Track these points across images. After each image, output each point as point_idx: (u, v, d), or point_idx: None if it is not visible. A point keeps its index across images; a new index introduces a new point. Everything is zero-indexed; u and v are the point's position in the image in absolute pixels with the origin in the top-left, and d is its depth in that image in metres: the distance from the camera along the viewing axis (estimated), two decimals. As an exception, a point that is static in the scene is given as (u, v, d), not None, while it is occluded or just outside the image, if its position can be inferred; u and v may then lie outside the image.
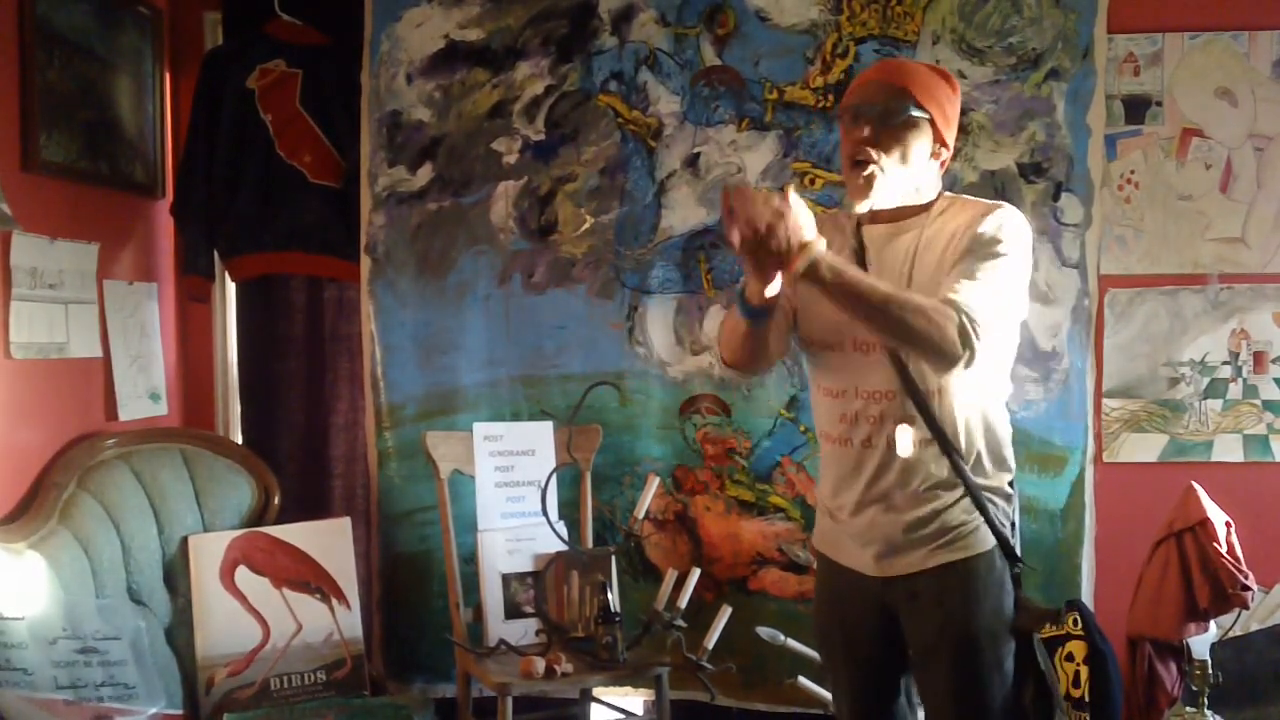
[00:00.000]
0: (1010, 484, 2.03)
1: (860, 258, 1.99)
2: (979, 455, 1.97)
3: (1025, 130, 3.04)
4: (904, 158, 1.94)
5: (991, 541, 1.96)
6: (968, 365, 1.81)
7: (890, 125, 1.93)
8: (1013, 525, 2.01)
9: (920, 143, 1.95)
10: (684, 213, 3.13)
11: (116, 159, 3.08)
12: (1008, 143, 3.05)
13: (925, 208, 2.00)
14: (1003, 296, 1.87)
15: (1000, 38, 3.05)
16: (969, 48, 3.05)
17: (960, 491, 1.95)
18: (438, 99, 3.18)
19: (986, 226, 1.90)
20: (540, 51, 3.15)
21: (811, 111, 3.09)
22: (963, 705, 1.95)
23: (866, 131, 1.93)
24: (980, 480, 1.96)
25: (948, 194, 2.03)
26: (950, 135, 2.00)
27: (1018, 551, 2.00)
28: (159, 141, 3.28)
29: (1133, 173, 3.11)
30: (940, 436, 1.93)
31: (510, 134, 3.17)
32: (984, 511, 1.95)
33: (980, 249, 1.88)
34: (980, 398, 1.97)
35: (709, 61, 3.12)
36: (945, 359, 1.81)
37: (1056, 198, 3.04)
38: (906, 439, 1.94)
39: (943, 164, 2.02)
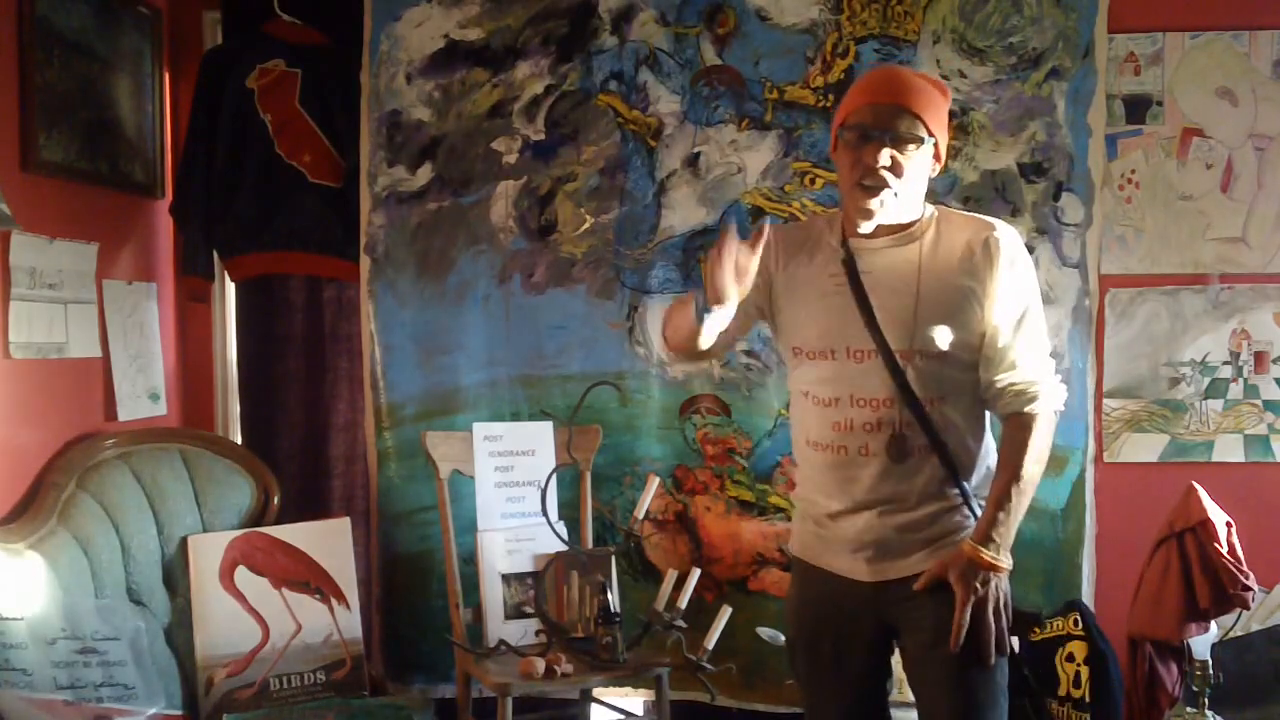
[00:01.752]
0: None
1: (851, 268, 2.00)
2: (973, 459, 2.00)
3: (1026, 130, 3.04)
4: (912, 180, 1.96)
5: None
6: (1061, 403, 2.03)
7: (904, 152, 1.94)
8: None
9: (925, 164, 1.98)
10: (684, 212, 3.13)
11: (116, 159, 3.08)
12: (1008, 142, 3.05)
13: (915, 219, 2.02)
14: (1043, 331, 2.02)
15: (1001, 37, 3.04)
16: (969, 47, 3.04)
17: (956, 495, 1.98)
18: (437, 99, 3.17)
19: (1006, 273, 1.95)
20: (540, 51, 3.15)
21: (812, 111, 3.09)
22: (964, 695, 1.94)
23: (884, 158, 1.92)
24: (973, 483, 2.00)
25: (929, 205, 2.06)
26: (943, 152, 2.02)
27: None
28: (158, 141, 3.28)
29: (1133, 172, 3.11)
30: (937, 442, 1.95)
31: (510, 134, 3.17)
32: (975, 514, 1.98)
33: (1015, 305, 1.97)
34: (974, 404, 2.01)
35: (709, 61, 3.12)
36: None
37: (1057, 197, 3.04)
38: (906, 446, 1.94)
39: (931, 177, 2.05)
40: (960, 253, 1.97)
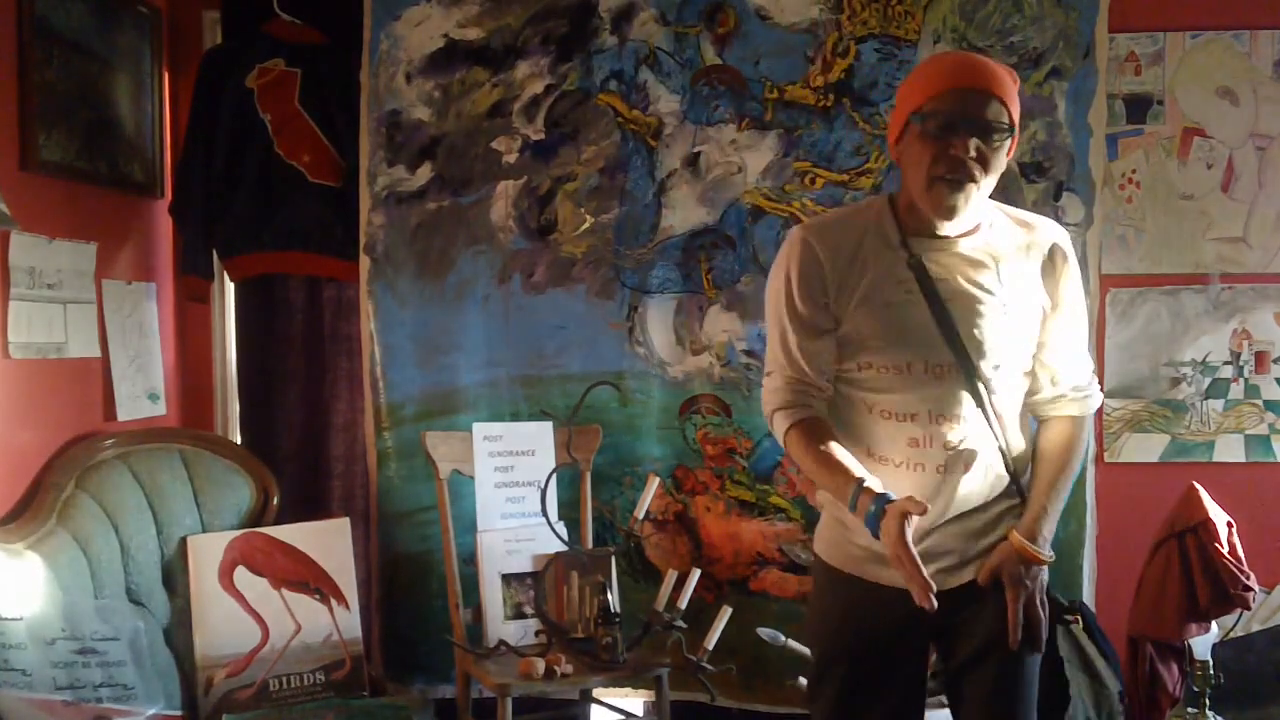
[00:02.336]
0: None
1: (921, 274, 1.87)
2: (1026, 460, 1.99)
3: (1026, 129, 3.03)
4: (995, 174, 1.84)
5: None
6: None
7: (991, 143, 1.81)
8: None
9: (1005, 157, 1.85)
10: (684, 212, 3.13)
11: (115, 158, 3.08)
12: (1009, 142, 3.04)
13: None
14: (1087, 333, 2.04)
15: (1001, 37, 3.04)
16: (970, 47, 3.03)
17: (1016, 500, 1.96)
18: (437, 98, 3.17)
19: (1067, 281, 1.93)
20: (540, 50, 3.15)
21: (812, 111, 3.08)
22: (1014, 695, 1.94)
23: (973, 149, 1.79)
24: (1025, 482, 1.99)
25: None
26: (1016, 144, 1.92)
27: None
28: (158, 141, 3.28)
29: (1134, 172, 3.11)
30: (1002, 449, 1.92)
31: (510, 133, 3.16)
32: None
33: (1075, 314, 1.96)
34: (1023, 406, 1.99)
35: (709, 60, 3.11)
36: None
37: (1058, 197, 3.03)
38: (985, 462, 1.91)
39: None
40: (1026, 258, 1.91)
